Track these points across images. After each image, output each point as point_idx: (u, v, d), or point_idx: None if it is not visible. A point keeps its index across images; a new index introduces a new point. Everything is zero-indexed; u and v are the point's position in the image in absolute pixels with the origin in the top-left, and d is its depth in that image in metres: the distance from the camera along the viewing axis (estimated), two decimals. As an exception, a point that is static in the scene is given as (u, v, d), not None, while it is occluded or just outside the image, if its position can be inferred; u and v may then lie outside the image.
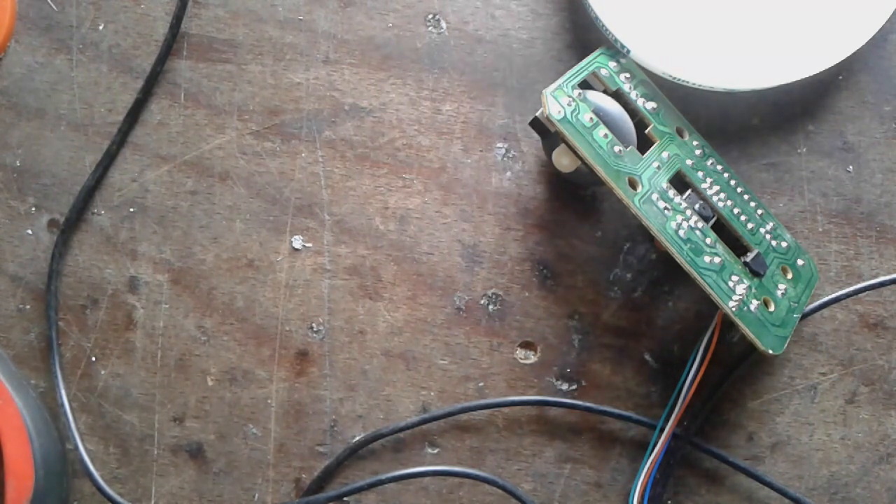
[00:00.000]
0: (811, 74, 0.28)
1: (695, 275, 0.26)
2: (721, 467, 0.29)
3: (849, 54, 0.28)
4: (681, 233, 0.26)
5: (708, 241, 0.26)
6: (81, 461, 0.29)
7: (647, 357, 0.29)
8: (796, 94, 0.29)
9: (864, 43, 0.28)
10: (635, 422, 0.29)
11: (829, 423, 0.29)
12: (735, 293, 0.26)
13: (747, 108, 0.30)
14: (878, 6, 0.28)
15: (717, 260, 0.26)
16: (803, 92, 0.29)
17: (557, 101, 0.26)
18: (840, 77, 0.30)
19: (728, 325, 0.27)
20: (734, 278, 0.26)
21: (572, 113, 0.26)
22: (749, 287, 0.26)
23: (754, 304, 0.26)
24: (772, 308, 0.27)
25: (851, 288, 0.28)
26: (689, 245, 0.26)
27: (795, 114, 0.30)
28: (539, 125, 0.27)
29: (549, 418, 0.29)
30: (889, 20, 0.28)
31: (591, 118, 0.26)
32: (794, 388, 0.29)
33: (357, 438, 0.29)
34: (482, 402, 0.29)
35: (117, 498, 0.29)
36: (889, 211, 0.29)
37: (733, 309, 0.26)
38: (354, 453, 0.29)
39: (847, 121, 0.29)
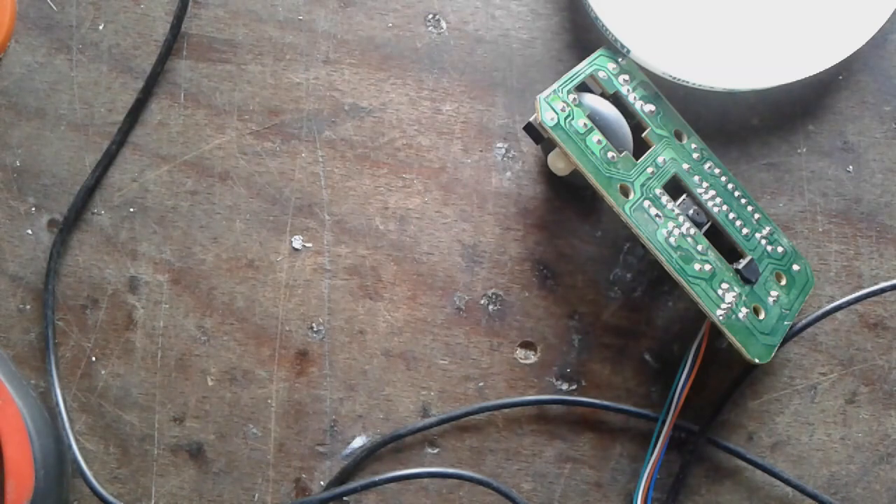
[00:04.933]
0: (811, 74, 0.28)
1: (683, 283, 0.26)
2: (723, 466, 0.29)
3: (849, 54, 0.28)
4: (671, 240, 0.26)
5: (699, 247, 0.26)
6: (76, 461, 0.29)
7: (647, 357, 0.29)
8: (796, 94, 0.29)
9: (864, 43, 0.28)
10: (635, 415, 0.29)
11: (829, 423, 0.29)
12: (724, 301, 0.26)
13: (747, 108, 0.30)
14: (878, 6, 0.28)
15: (707, 267, 0.26)
16: (803, 92, 0.29)
17: (551, 107, 0.26)
18: (840, 77, 0.30)
19: (717, 332, 0.27)
20: (724, 286, 0.26)
21: (566, 119, 0.26)
22: (739, 295, 0.26)
23: (743, 312, 0.26)
24: (762, 316, 0.27)
25: (853, 295, 0.28)
26: (678, 253, 0.26)
27: (795, 114, 0.30)
28: (533, 130, 0.27)
29: (549, 418, 0.29)
30: (889, 20, 0.28)
31: (584, 124, 0.26)
32: (794, 388, 0.29)
33: (362, 444, 0.29)
34: (486, 404, 0.29)
35: (109, 498, 0.29)
36: (889, 211, 0.29)
37: (720, 318, 0.26)
38: (369, 456, 0.29)
39: (847, 121, 0.29)
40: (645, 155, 0.27)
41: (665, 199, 0.27)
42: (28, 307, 0.30)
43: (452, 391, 0.29)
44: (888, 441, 0.29)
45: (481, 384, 0.29)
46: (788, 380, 0.29)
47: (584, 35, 0.30)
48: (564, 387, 0.29)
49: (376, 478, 0.28)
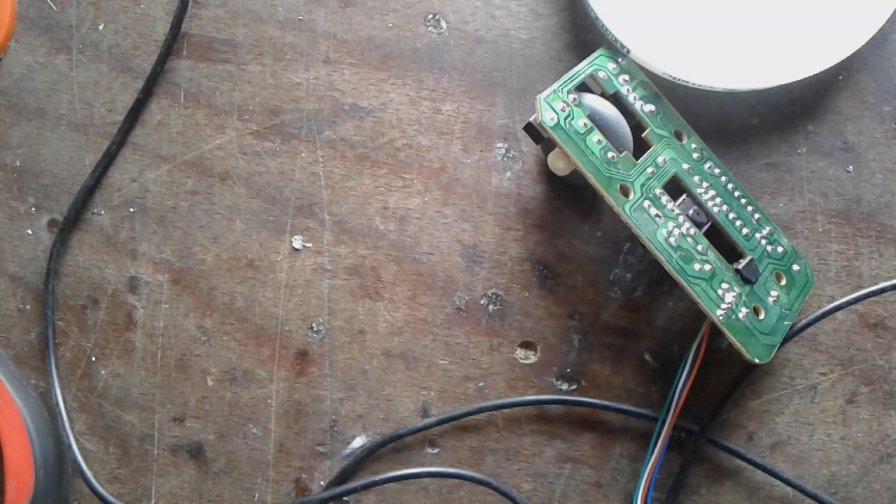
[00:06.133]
0: (811, 74, 0.28)
1: (683, 283, 0.26)
2: (723, 466, 0.29)
3: (849, 54, 0.28)
4: (671, 240, 0.26)
5: (699, 247, 0.26)
6: (76, 461, 0.29)
7: (647, 357, 0.29)
8: (796, 94, 0.29)
9: (864, 43, 0.28)
10: (635, 415, 0.29)
11: (829, 423, 0.29)
12: (724, 301, 0.26)
13: (747, 108, 0.30)
14: (878, 6, 0.28)
15: (707, 267, 0.26)
16: (803, 92, 0.29)
17: (551, 107, 0.26)
18: (840, 77, 0.30)
19: (717, 332, 0.27)
20: (724, 286, 0.26)
21: (566, 119, 0.26)
22: (739, 294, 0.26)
23: (743, 311, 0.26)
24: (762, 316, 0.27)
25: (853, 295, 0.28)
26: (679, 253, 0.26)
27: (795, 114, 0.30)
28: (533, 130, 0.27)
29: (549, 418, 0.29)
30: (889, 20, 0.28)
31: (584, 124, 0.26)
32: (794, 388, 0.29)
33: (362, 444, 0.29)
34: (486, 404, 0.29)
35: (109, 498, 0.29)
36: (889, 211, 0.29)
37: (721, 318, 0.26)
38: (369, 456, 0.29)
39: (847, 121, 0.29)
40: (645, 155, 0.27)
41: (665, 199, 0.27)
42: (28, 307, 0.30)
43: (452, 391, 0.29)
44: (888, 441, 0.29)
45: (481, 384, 0.29)
46: (788, 380, 0.29)
47: (584, 35, 0.30)
48: (564, 387, 0.29)
49: (376, 478, 0.28)
